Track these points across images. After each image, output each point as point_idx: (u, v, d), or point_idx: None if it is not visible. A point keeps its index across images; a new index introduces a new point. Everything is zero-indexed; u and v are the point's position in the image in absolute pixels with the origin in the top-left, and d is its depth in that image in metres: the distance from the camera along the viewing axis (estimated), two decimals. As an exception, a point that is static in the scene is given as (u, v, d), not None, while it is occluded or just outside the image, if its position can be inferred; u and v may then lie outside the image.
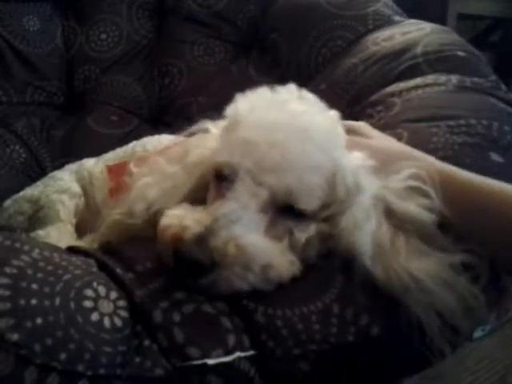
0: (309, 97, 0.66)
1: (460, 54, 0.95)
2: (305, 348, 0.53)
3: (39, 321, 0.46)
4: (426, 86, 0.90)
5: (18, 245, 0.53)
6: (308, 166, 0.58)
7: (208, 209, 0.60)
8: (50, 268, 0.51)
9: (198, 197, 0.67)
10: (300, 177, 0.57)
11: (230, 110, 0.65)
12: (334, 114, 0.67)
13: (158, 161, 0.74)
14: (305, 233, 0.59)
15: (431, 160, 0.64)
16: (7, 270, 0.49)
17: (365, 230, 0.57)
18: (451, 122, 0.77)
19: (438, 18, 1.46)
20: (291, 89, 0.66)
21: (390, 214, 0.59)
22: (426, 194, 0.59)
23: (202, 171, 0.68)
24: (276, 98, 0.63)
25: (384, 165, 0.63)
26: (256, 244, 0.56)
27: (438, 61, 0.95)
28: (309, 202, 0.59)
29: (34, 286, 0.48)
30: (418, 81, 0.92)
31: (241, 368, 0.51)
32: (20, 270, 0.49)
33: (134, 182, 0.72)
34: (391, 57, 1.01)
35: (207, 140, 0.71)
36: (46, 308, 0.47)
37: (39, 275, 0.50)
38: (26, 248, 0.53)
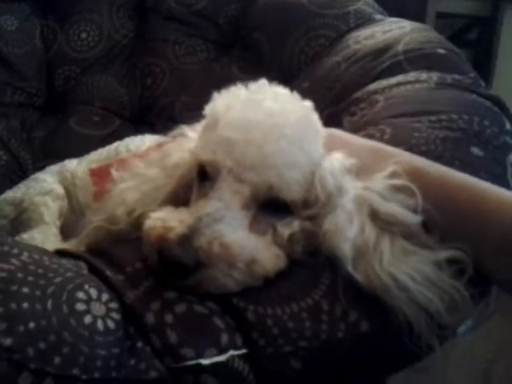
0: (281, 91, 0.67)
1: (440, 51, 0.97)
2: (296, 345, 0.54)
3: (32, 325, 0.45)
4: (408, 83, 0.90)
5: (6, 248, 0.53)
6: (285, 162, 0.59)
7: (191, 209, 0.60)
8: (40, 271, 0.51)
9: (179, 198, 0.68)
10: (279, 172, 0.58)
11: (207, 109, 0.66)
12: (308, 105, 0.67)
13: (137, 165, 0.74)
14: (288, 228, 0.60)
15: (405, 155, 0.65)
16: (-3, 273, 0.48)
17: (346, 235, 0.57)
18: (433, 117, 0.77)
19: (418, 16, 1.48)
20: (263, 84, 0.66)
21: (375, 216, 0.59)
22: (409, 192, 0.59)
23: (182, 172, 0.69)
24: (251, 96, 0.64)
25: (368, 163, 0.63)
26: (240, 241, 0.56)
27: (418, 58, 0.96)
28: (290, 194, 0.60)
29: (25, 290, 0.48)
30: (400, 78, 0.93)
31: (235, 367, 0.52)
32: (10, 273, 0.49)
33: (114, 187, 0.73)
34: (373, 55, 1.02)
35: (185, 143, 0.71)
36: (38, 312, 0.46)
37: (30, 278, 0.49)
38: (15, 251, 0.53)
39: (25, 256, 0.52)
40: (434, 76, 0.90)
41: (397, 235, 0.58)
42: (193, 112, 0.70)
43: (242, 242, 0.56)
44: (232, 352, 0.52)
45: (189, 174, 0.68)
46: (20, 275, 0.49)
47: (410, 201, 0.59)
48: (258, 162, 0.58)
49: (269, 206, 0.60)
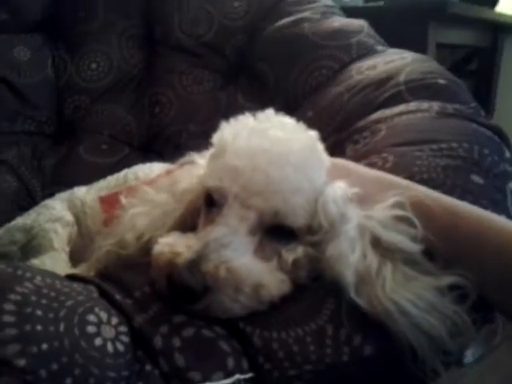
0: (287, 121, 0.69)
1: (441, 81, 0.98)
2: (301, 369, 0.54)
3: (45, 346, 0.46)
4: (410, 112, 0.92)
5: (20, 272, 0.54)
6: (290, 188, 0.60)
7: (199, 234, 0.62)
8: (53, 294, 0.52)
9: (187, 224, 0.69)
10: (284, 198, 0.60)
11: (215, 137, 0.68)
12: (313, 135, 0.69)
13: (147, 191, 0.76)
14: (292, 254, 0.61)
15: (409, 185, 0.66)
16: (12, 296, 0.49)
17: (349, 262, 0.58)
18: (434, 146, 0.79)
19: (418, 47, 1.50)
20: (270, 114, 0.69)
21: (377, 243, 0.60)
22: (410, 223, 0.60)
23: (191, 198, 0.71)
24: (257, 125, 0.66)
25: (370, 193, 0.64)
26: (246, 266, 0.57)
27: (420, 88, 0.98)
28: (295, 220, 0.61)
29: (39, 312, 0.49)
30: (402, 108, 0.94)
31: (241, 390, 0.52)
32: (24, 296, 0.50)
33: (124, 213, 0.74)
34: (375, 85, 1.04)
35: (194, 170, 0.73)
36: (50, 333, 0.47)
37: (43, 301, 0.50)
38: (28, 275, 0.54)
39: (38, 280, 0.54)
40: (435, 106, 0.92)
41: (398, 262, 0.59)
42: (199, 140, 0.72)
43: (249, 266, 0.57)
44: (238, 376, 0.53)
45: (197, 199, 0.69)
46: (34, 298, 0.50)
47: (411, 230, 0.59)
48: (264, 187, 0.60)
49: (274, 232, 0.62)
